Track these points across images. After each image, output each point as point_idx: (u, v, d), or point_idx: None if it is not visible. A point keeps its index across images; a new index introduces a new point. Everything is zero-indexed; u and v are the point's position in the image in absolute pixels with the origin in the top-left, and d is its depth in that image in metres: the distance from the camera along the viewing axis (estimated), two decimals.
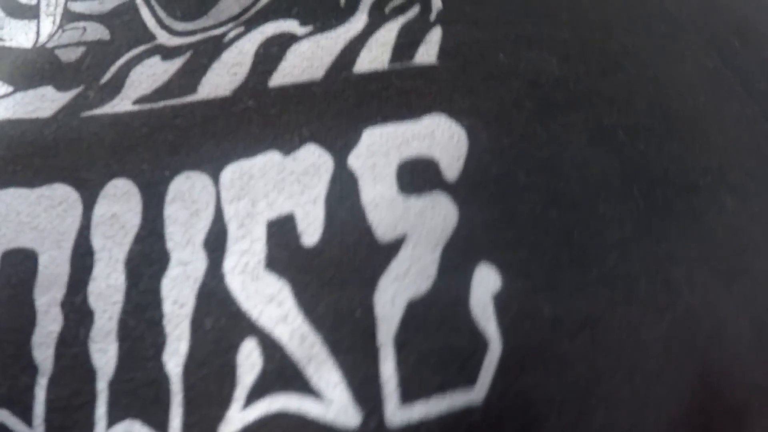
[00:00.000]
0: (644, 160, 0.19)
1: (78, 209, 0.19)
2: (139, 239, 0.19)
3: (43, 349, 0.18)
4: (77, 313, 0.18)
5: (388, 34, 0.20)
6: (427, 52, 0.20)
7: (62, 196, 0.19)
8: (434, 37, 0.20)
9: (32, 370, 0.18)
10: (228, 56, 0.20)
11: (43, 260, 0.19)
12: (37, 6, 0.23)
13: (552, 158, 0.18)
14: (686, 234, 0.19)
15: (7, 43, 0.22)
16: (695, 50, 0.22)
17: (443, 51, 0.20)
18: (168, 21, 0.21)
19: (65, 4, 0.22)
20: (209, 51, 0.20)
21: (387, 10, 0.21)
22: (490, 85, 0.19)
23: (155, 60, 0.20)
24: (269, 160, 0.18)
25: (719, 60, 0.22)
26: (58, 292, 0.19)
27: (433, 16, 0.21)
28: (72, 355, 0.18)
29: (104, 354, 0.18)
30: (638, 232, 0.18)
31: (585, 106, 0.20)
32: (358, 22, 0.20)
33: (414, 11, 0.21)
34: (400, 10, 0.21)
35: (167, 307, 0.18)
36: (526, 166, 0.18)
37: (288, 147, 0.18)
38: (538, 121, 0.19)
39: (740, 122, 0.21)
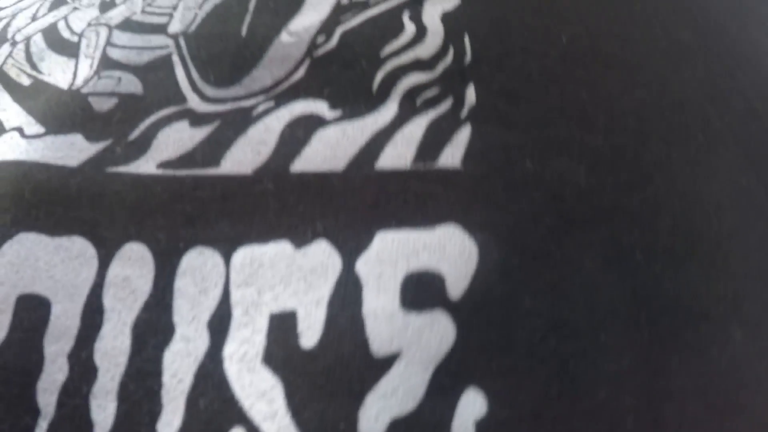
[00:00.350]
0: (658, 285, 0.19)
1: (93, 266, 0.20)
2: (147, 307, 0.19)
3: (47, 395, 0.19)
4: (82, 367, 0.19)
5: (415, 129, 0.20)
6: (452, 155, 0.20)
7: (80, 250, 0.20)
8: (462, 137, 0.20)
9: (34, 412, 0.19)
10: (254, 132, 0.20)
11: (55, 310, 0.20)
12: (78, 45, 0.23)
13: (561, 282, 0.18)
14: (687, 366, 0.19)
15: (45, 78, 0.23)
16: (730, 165, 0.22)
17: (469, 154, 0.20)
18: (200, 84, 0.21)
19: (104, 48, 0.22)
20: (237, 123, 0.20)
21: (419, 101, 0.21)
22: (512, 196, 0.19)
23: (183, 125, 0.21)
24: (281, 250, 0.19)
25: (754, 176, 0.22)
26: (67, 343, 0.19)
27: (464, 113, 0.20)
28: (73, 405, 0.19)
29: (103, 411, 0.19)
30: (637, 364, 0.18)
31: (606, 223, 0.19)
32: (387, 112, 0.20)
33: (446, 105, 0.21)
34: (432, 102, 0.21)
35: (166, 378, 0.19)
36: (533, 289, 0.18)
37: (300, 240, 0.19)
38: (554, 239, 0.19)
39: (764, 247, 0.21)
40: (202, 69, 0.21)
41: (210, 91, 0.21)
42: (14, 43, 0.24)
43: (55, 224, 0.20)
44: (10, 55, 0.24)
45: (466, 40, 0.22)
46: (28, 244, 0.20)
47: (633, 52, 0.23)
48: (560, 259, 0.19)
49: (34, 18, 0.25)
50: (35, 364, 0.19)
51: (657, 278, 0.19)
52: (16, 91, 0.23)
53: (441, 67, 0.21)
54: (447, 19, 0.22)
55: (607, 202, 0.20)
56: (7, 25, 0.25)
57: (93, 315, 0.19)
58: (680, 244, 0.20)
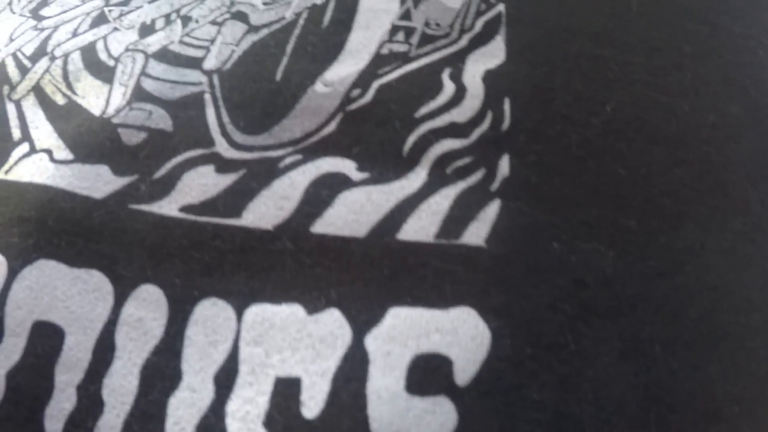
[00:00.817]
0: (673, 382, 0.18)
1: (109, 302, 0.20)
2: (158, 351, 0.19)
3: (54, 422, 0.20)
4: (90, 400, 0.20)
5: (442, 201, 0.20)
6: (477, 232, 0.19)
7: (97, 285, 0.20)
8: (490, 213, 0.19)
9: None
10: (279, 186, 0.20)
11: (68, 341, 0.20)
12: (114, 70, 0.23)
13: (572, 376, 0.18)
14: None
15: (79, 100, 0.23)
16: (767, 256, 0.21)
17: (494, 232, 0.19)
18: (230, 128, 0.21)
19: (139, 77, 0.22)
20: (262, 174, 0.20)
21: (450, 170, 0.20)
22: (533, 280, 0.19)
23: (209, 169, 0.21)
24: (293, 314, 0.19)
25: None
26: (77, 375, 0.20)
27: (495, 186, 0.20)
28: None
29: None
30: None
31: (628, 314, 0.19)
32: (416, 179, 0.20)
33: (477, 176, 0.20)
34: (463, 172, 0.20)
35: (169, 425, 0.19)
36: (542, 381, 0.18)
37: (313, 306, 0.19)
38: (571, 329, 0.19)
39: None
40: (233, 112, 0.21)
41: (239, 137, 0.21)
42: (53, 58, 0.24)
43: (75, 255, 0.20)
44: (47, 70, 0.24)
45: (506, 104, 0.21)
46: (48, 271, 0.20)
47: (678, 125, 0.22)
48: (575, 351, 0.18)
49: (74, 34, 0.25)
50: (45, 390, 0.20)
51: (673, 375, 0.19)
52: (50, 109, 0.23)
53: (476, 133, 0.21)
54: (489, 78, 0.22)
55: (632, 291, 0.19)
56: (48, 37, 0.25)
57: (104, 351, 0.20)
58: (703, 340, 0.19)
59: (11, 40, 0.25)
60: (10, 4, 0.27)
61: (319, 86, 0.21)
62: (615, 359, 0.18)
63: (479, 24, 0.23)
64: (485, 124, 0.21)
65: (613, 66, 0.23)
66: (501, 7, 0.24)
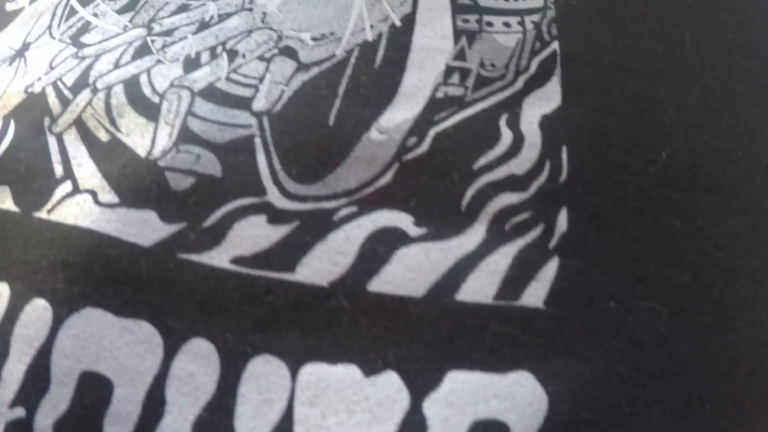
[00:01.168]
0: None
1: (159, 355, 0.19)
2: (209, 408, 0.19)
3: None
4: None
5: (501, 261, 0.19)
6: (536, 293, 0.19)
7: (146, 337, 0.20)
8: (548, 273, 0.19)
9: None
10: (334, 240, 0.19)
11: (117, 393, 0.20)
12: (159, 107, 0.22)
13: None
14: None
15: (123, 138, 0.22)
16: None
17: (553, 293, 0.19)
18: (282, 176, 0.20)
19: (185, 117, 0.22)
20: (316, 227, 0.20)
21: (508, 226, 0.20)
22: (590, 343, 0.18)
23: (261, 220, 0.20)
24: (349, 374, 0.18)
25: None
26: (126, 428, 0.19)
27: (553, 242, 0.19)
28: None
29: None
30: None
31: (680, 374, 0.19)
32: (474, 236, 0.19)
33: (535, 232, 0.20)
34: (521, 228, 0.20)
35: None
36: None
37: (370, 368, 0.18)
38: (626, 392, 0.18)
39: None
40: (285, 159, 0.20)
41: (291, 185, 0.20)
42: (95, 90, 0.23)
43: (122, 304, 0.20)
44: (89, 103, 0.23)
45: (564, 153, 0.21)
46: (95, 320, 0.20)
47: (732, 172, 0.22)
48: (629, 413, 0.18)
49: (117, 65, 0.24)
50: None
51: None
52: (93, 146, 0.22)
53: (535, 186, 0.20)
54: (546, 124, 0.21)
55: (685, 349, 0.19)
56: (90, 67, 0.24)
57: (154, 405, 0.19)
58: (752, 397, 0.19)
59: (51, 68, 0.25)
60: (49, 28, 0.26)
61: (374, 133, 0.21)
62: (667, 420, 0.18)
63: (534, 64, 0.22)
64: (543, 176, 0.20)
65: (668, 108, 0.22)
66: (555, 45, 0.23)
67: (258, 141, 0.21)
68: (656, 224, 0.20)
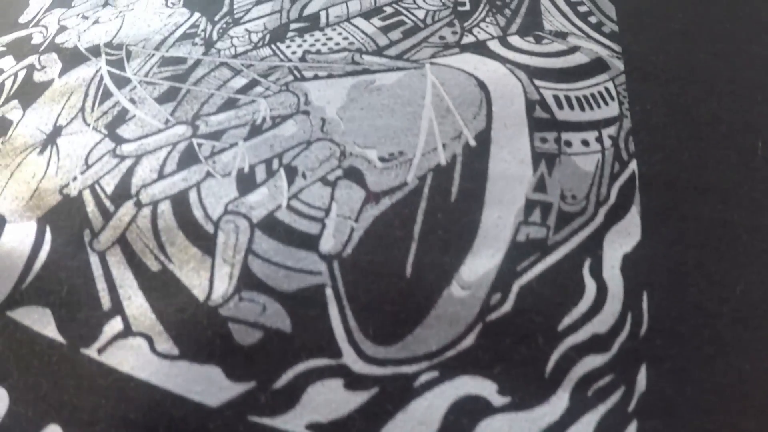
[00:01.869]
0: None
1: None
2: None
3: None
4: None
5: (584, 430, 0.19)
6: None
7: None
8: None
9: None
10: (416, 409, 0.18)
11: None
12: (214, 238, 0.20)
13: None
14: None
15: (176, 272, 0.20)
16: None
17: None
18: (358, 336, 0.19)
19: (245, 254, 0.20)
20: (397, 394, 0.19)
21: (590, 391, 0.19)
22: None
23: (337, 384, 0.19)
24: None
25: None
26: None
27: (632, 405, 0.19)
28: None
29: None
30: None
31: None
32: (558, 405, 0.19)
33: (617, 396, 0.19)
34: (603, 393, 0.19)
35: None
36: None
37: None
38: None
39: None
40: (360, 315, 0.19)
41: (369, 347, 0.19)
42: (139, 204, 0.21)
43: None
44: (134, 220, 0.21)
45: (644, 301, 0.20)
46: None
47: None
48: None
49: (160, 173, 0.21)
50: None
51: None
52: (142, 275, 0.20)
53: (617, 344, 0.19)
54: (627, 268, 0.20)
55: None
56: (131, 171, 0.22)
57: None
58: None
59: (87, 165, 0.22)
60: (82, 111, 0.23)
61: (455, 289, 0.19)
62: None
63: (614, 192, 0.21)
64: (624, 333, 0.20)
65: (743, 235, 0.22)
66: (633, 166, 0.22)
67: (329, 292, 0.19)
68: (727, 371, 0.20)
